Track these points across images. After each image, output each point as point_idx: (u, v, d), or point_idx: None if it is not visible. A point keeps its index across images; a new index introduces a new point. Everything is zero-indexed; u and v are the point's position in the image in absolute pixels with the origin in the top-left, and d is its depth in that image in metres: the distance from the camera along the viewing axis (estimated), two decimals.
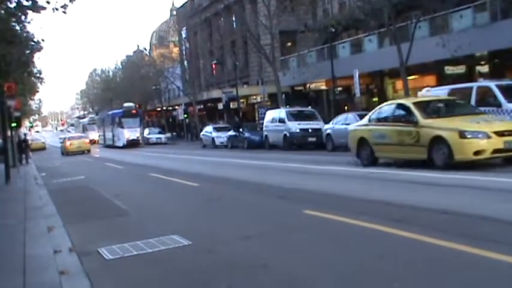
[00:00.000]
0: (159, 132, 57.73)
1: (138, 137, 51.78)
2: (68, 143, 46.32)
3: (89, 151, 45.90)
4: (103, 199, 13.10)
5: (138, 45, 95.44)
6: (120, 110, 55.32)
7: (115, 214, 10.46)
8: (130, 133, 51.45)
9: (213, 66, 53.89)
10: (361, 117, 23.96)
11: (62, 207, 11.47)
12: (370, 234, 6.91)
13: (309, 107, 34.21)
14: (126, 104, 55.61)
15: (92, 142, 63.82)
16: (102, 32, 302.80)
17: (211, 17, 58.03)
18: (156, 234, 7.77)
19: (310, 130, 27.65)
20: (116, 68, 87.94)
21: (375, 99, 35.02)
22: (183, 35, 63.06)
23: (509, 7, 23.79)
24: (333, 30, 33.30)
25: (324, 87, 37.84)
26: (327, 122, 27.23)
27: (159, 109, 67.37)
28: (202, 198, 11.97)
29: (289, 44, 45.92)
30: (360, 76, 29.23)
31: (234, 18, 52.85)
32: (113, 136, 54.72)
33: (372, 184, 12.10)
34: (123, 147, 50.21)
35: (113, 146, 53.87)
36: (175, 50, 66.99)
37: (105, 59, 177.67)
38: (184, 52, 62.02)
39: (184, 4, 66.75)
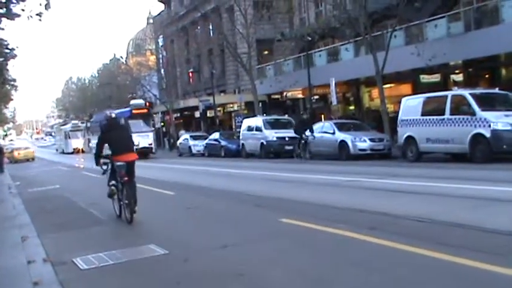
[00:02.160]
0: None
1: (150, 144, 39.94)
2: (16, 152, 54.48)
3: (33, 159, 53.41)
4: (78, 208, 12.97)
5: (114, 54, 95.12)
6: (127, 110, 41.45)
7: (90, 223, 10.37)
8: (140, 139, 37.01)
9: (190, 74, 53.78)
10: (338, 125, 24.32)
11: (36, 217, 11.32)
12: (344, 241, 6.98)
13: (286, 116, 34.34)
14: (133, 102, 44.07)
15: (76, 151, 62.25)
16: (78, 40, 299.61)
17: (188, 25, 57.96)
18: (132, 243, 7.74)
19: (287, 138, 27.67)
20: (92, 76, 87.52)
21: (352, 107, 35.32)
22: (160, 43, 62.77)
23: (482, 17, 24.21)
24: (310, 38, 33.52)
25: (300, 96, 37.97)
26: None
27: None
28: (178, 207, 11.94)
29: (266, 52, 46.04)
30: (337, 84, 29.40)
31: (210, 27, 52.83)
32: None
33: (347, 192, 12.21)
34: None
35: None
36: (152, 58, 66.59)
37: (81, 67, 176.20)
38: (161, 60, 61.71)
39: (161, 12, 66.60)
